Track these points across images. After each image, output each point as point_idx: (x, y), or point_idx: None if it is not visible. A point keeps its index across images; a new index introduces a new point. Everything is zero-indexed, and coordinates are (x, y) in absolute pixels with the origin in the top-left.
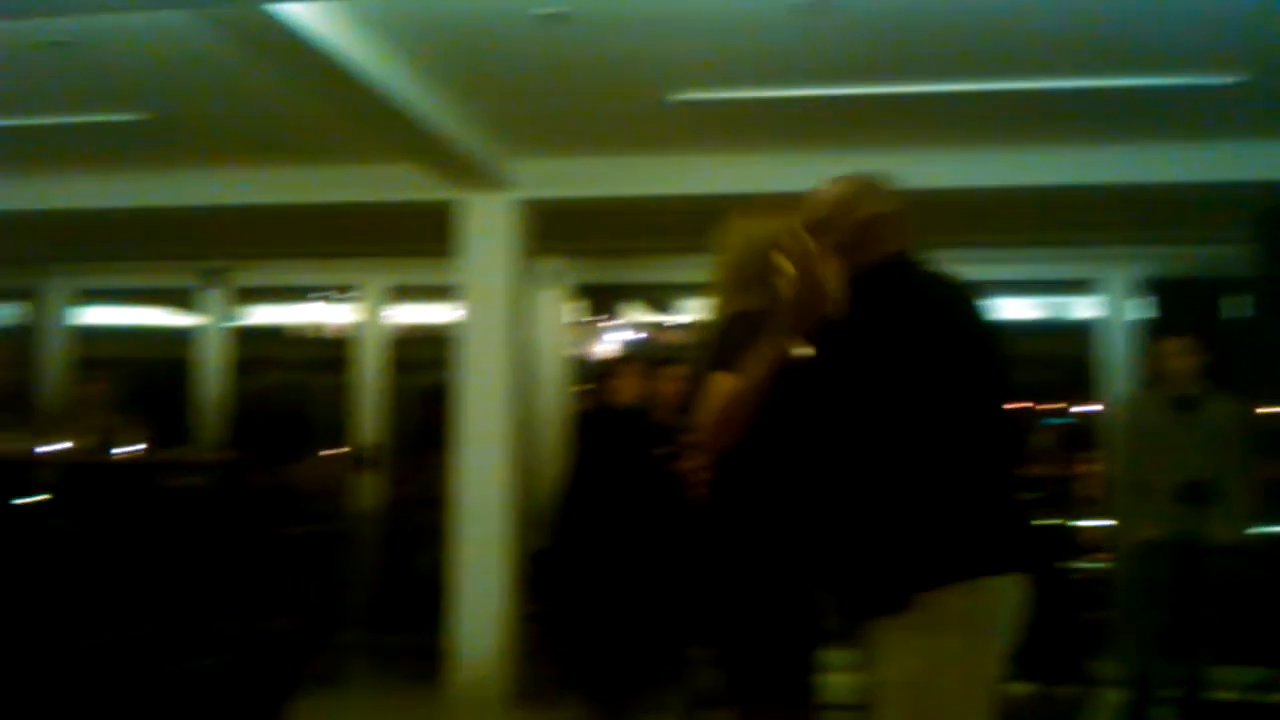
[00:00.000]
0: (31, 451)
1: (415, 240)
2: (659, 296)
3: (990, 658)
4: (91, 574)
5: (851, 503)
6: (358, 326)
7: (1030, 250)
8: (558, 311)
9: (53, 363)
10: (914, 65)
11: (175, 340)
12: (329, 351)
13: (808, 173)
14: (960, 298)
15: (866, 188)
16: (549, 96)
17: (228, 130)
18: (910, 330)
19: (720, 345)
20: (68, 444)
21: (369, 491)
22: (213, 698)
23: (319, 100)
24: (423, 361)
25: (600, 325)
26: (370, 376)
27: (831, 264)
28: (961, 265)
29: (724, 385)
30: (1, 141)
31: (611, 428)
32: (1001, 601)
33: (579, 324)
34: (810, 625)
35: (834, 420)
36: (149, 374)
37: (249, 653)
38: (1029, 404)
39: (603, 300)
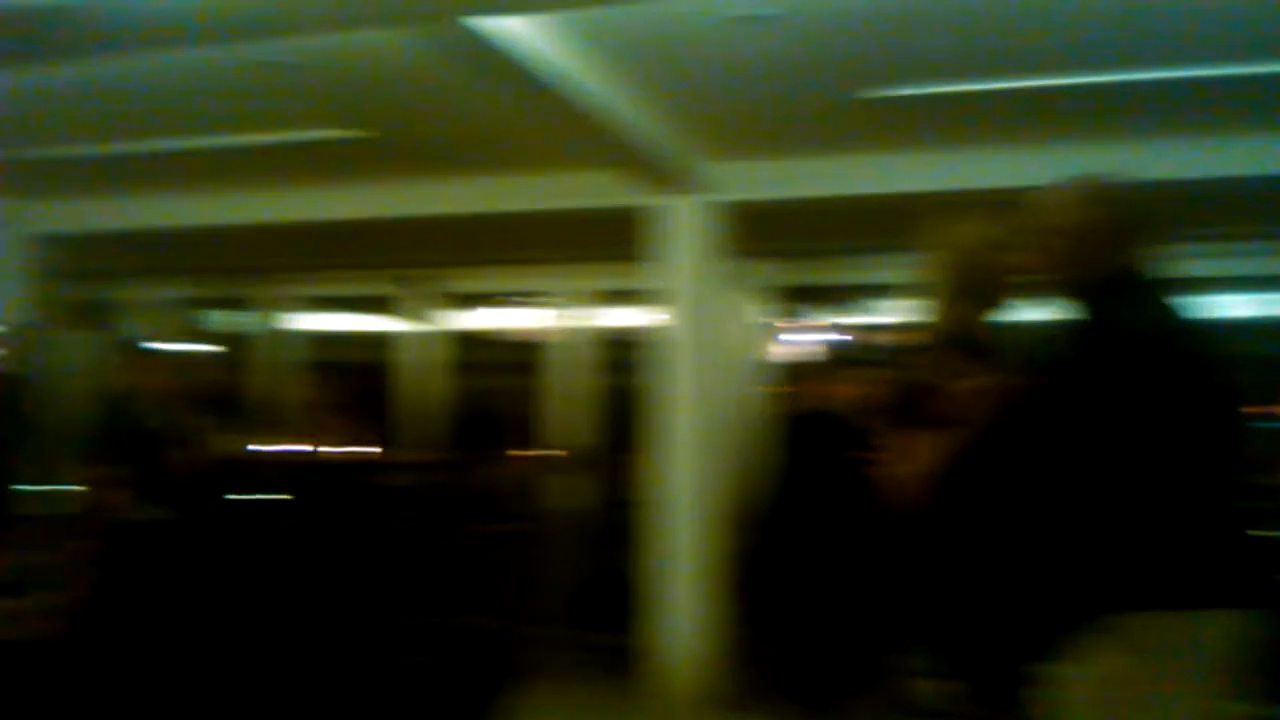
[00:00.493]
0: (255, 452)
1: (612, 245)
2: (855, 297)
3: (1194, 690)
4: (315, 571)
5: (1072, 518)
6: (555, 331)
7: (1249, 244)
8: (753, 314)
9: (271, 367)
10: (1119, 51)
11: (387, 344)
12: (527, 355)
13: (1010, 168)
14: (1185, 322)
15: (1091, 192)
16: (742, 98)
17: (436, 144)
18: (1139, 363)
19: (924, 380)
20: (287, 445)
21: (567, 492)
22: (427, 693)
23: (518, 111)
24: (619, 364)
25: (796, 327)
26: (567, 379)
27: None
28: (1179, 261)
29: (928, 445)
30: (226, 159)
31: (817, 431)
32: (1218, 635)
33: (774, 326)
34: (1029, 636)
35: (1059, 440)
36: (359, 377)
37: (461, 649)
38: (1252, 407)
39: (798, 302)
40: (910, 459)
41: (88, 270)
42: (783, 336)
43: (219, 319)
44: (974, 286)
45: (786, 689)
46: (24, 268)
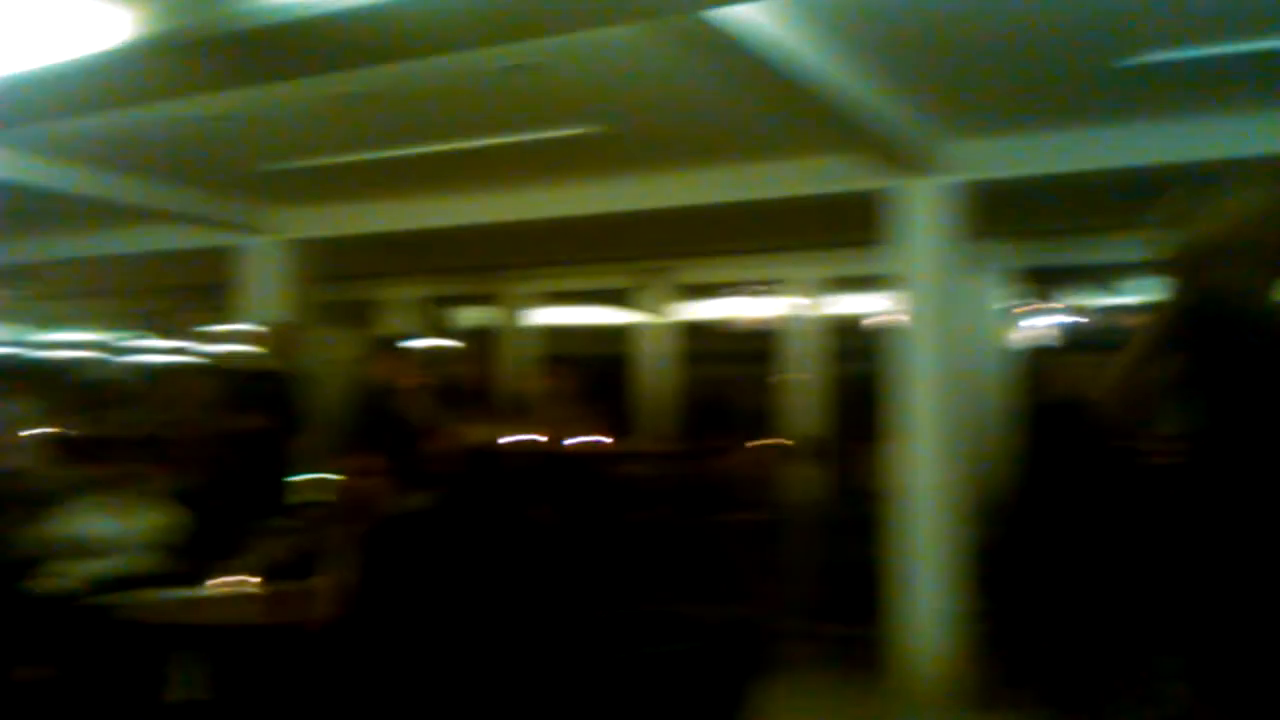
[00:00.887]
0: (501, 443)
1: (847, 230)
2: (1105, 278)
3: None
4: (565, 559)
5: None
6: (790, 319)
7: None
8: (994, 297)
9: (515, 360)
10: None
11: (623, 337)
12: (760, 344)
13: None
14: None
15: None
16: (985, 73)
17: (669, 137)
18: None
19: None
20: (530, 436)
21: (806, 482)
22: (681, 684)
23: (754, 99)
24: (856, 352)
25: (1042, 310)
26: (803, 368)
27: None
28: None
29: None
30: (469, 161)
31: (1064, 420)
32: None
33: (1017, 310)
34: None
35: None
36: (596, 369)
37: (713, 639)
38: None
39: (1044, 284)
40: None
41: (343, 272)
42: (1026, 321)
43: (466, 315)
44: (1263, 254)
45: (1032, 686)
46: (284, 271)
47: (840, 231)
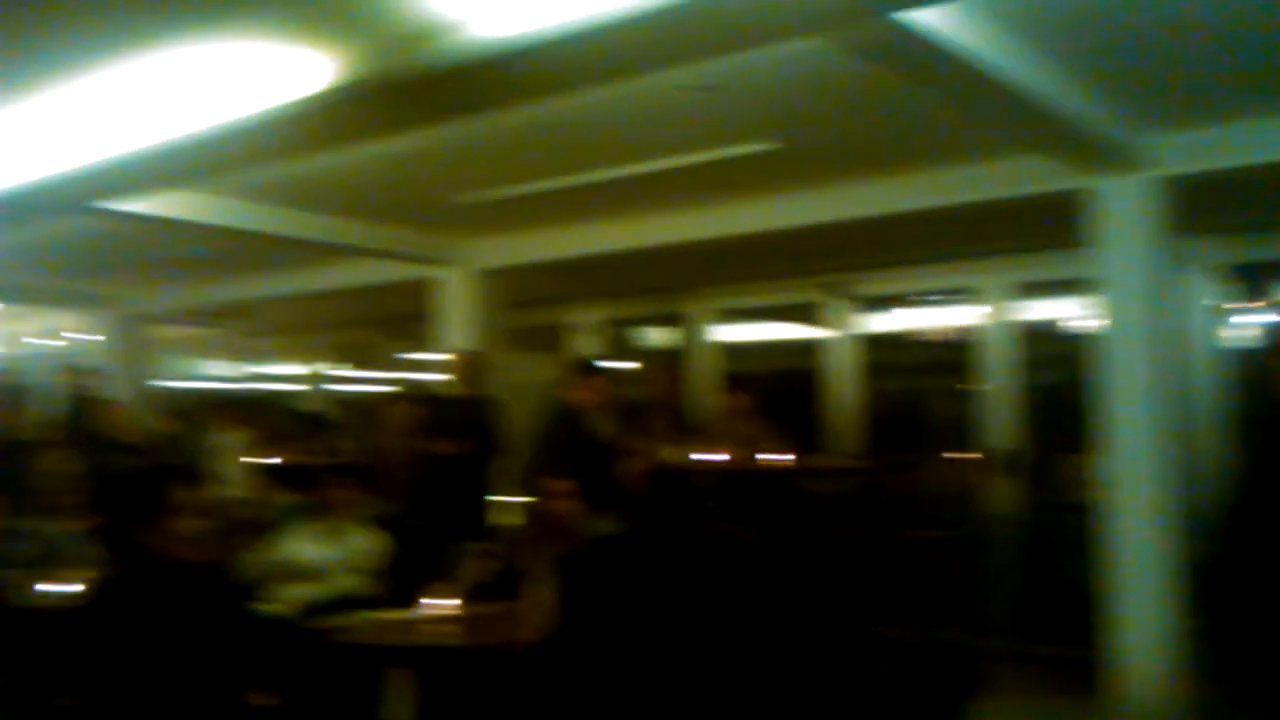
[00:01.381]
0: (692, 461)
1: (1040, 234)
2: None
3: None
4: (767, 579)
5: None
6: (982, 327)
7: None
8: (1205, 297)
9: (701, 377)
10: None
11: (805, 351)
12: (953, 355)
13: None
14: None
15: None
16: (1184, 61)
17: (851, 146)
18: None
19: None
20: (720, 454)
21: (1005, 496)
22: (895, 706)
23: (941, 102)
24: (1052, 360)
25: (1255, 309)
26: (998, 378)
27: None
28: None
29: None
30: (649, 184)
31: None
32: None
33: (1230, 309)
34: None
35: None
36: (784, 385)
37: (925, 661)
38: None
39: (1256, 280)
40: None
41: (531, 298)
42: (1238, 320)
43: (650, 335)
44: None
45: (1256, 710)
46: (476, 300)
47: (1033, 235)
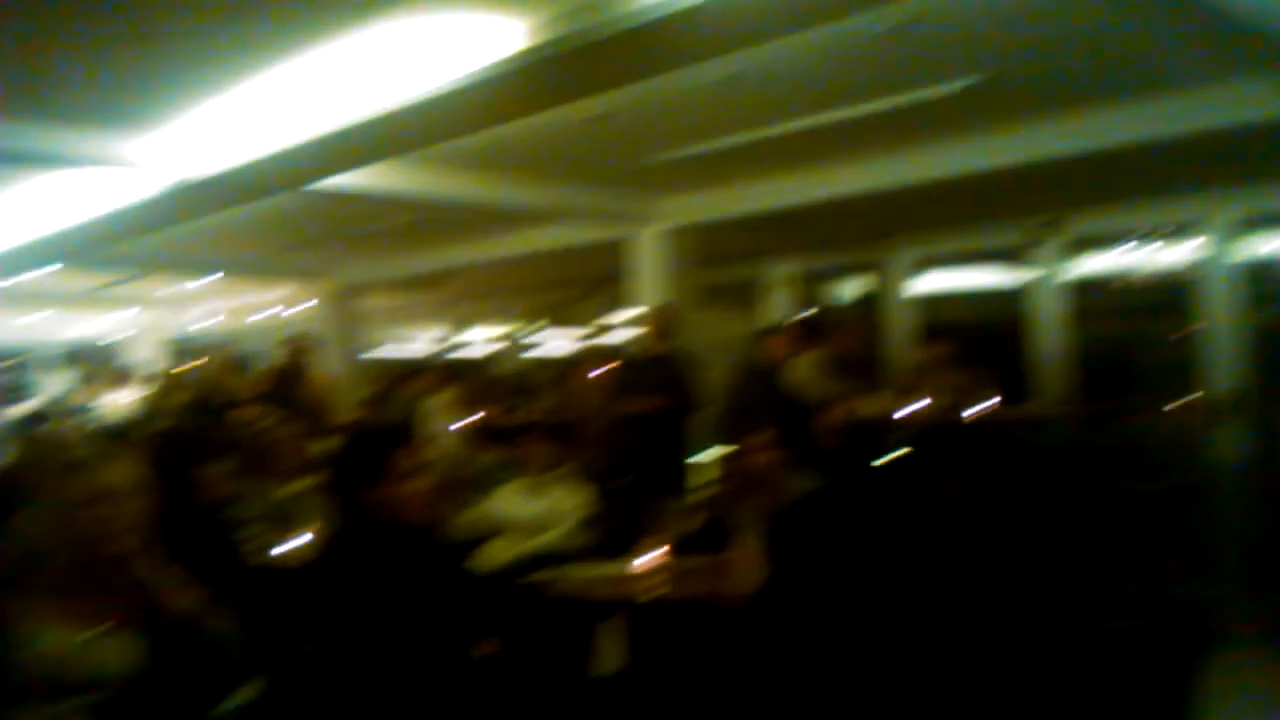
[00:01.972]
0: (890, 414)
1: (1264, 164)
2: None
3: None
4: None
5: None
6: (1202, 265)
7: None
8: None
9: (900, 328)
10: None
11: (1008, 298)
12: (1171, 295)
13: None
14: None
15: None
16: None
17: (1058, 79)
18: None
19: None
20: (919, 405)
21: (1230, 442)
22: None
23: (1160, 24)
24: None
25: None
26: (1220, 317)
27: None
28: None
29: None
30: (842, 132)
31: None
32: None
33: None
34: None
35: None
36: (987, 333)
37: (1162, 615)
38: None
39: None
40: None
41: (725, 253)
42: None
43: (847, 286)
44: None
45: None
46: (670, 258)
47: (1257, 165)
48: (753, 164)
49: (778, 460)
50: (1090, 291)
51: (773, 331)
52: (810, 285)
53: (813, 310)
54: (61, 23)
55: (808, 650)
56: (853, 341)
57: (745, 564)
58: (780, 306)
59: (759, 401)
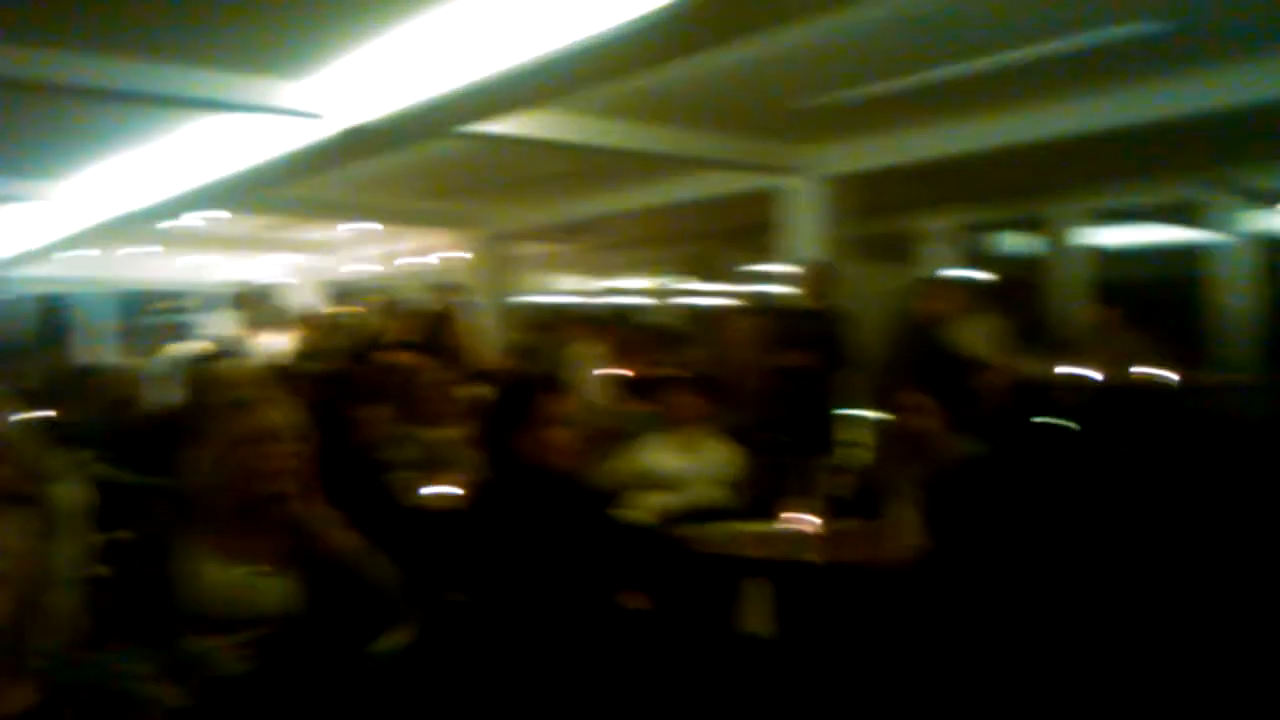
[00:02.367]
0: (1057, 378)
1: None
2: None
3: None
4: (1154, 502)
5: None
6: None
7: None
8: None
9: (1068, 287)
10: None
11: (1187, 256)
12: None
13: None
14: None
15: None
16: None
17: (1247, 20)
18: None
19: None
20: (1086, 368)
21: None
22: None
23: None
24: None
25: None
26: None
27: None
28: None
29: None
30: (1009, 77)
31: None
32: None
33: None
34: None
35: None
36: (1162, 293)
37: None
38: None
39: None
40: None
41: (880, 205)
42: None
43: (1009, 241)
44: None
45: None
46: (822, 209)
47: None
48: (915, 110)
49: (936, 422)
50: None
51: (935, 287)
52: (973, 239)
53: (974, 266)
54: None
55: (969, 625)
56: (1013, 297)
57: (902, 530)
58: (939, 261)
59: (917, 359)
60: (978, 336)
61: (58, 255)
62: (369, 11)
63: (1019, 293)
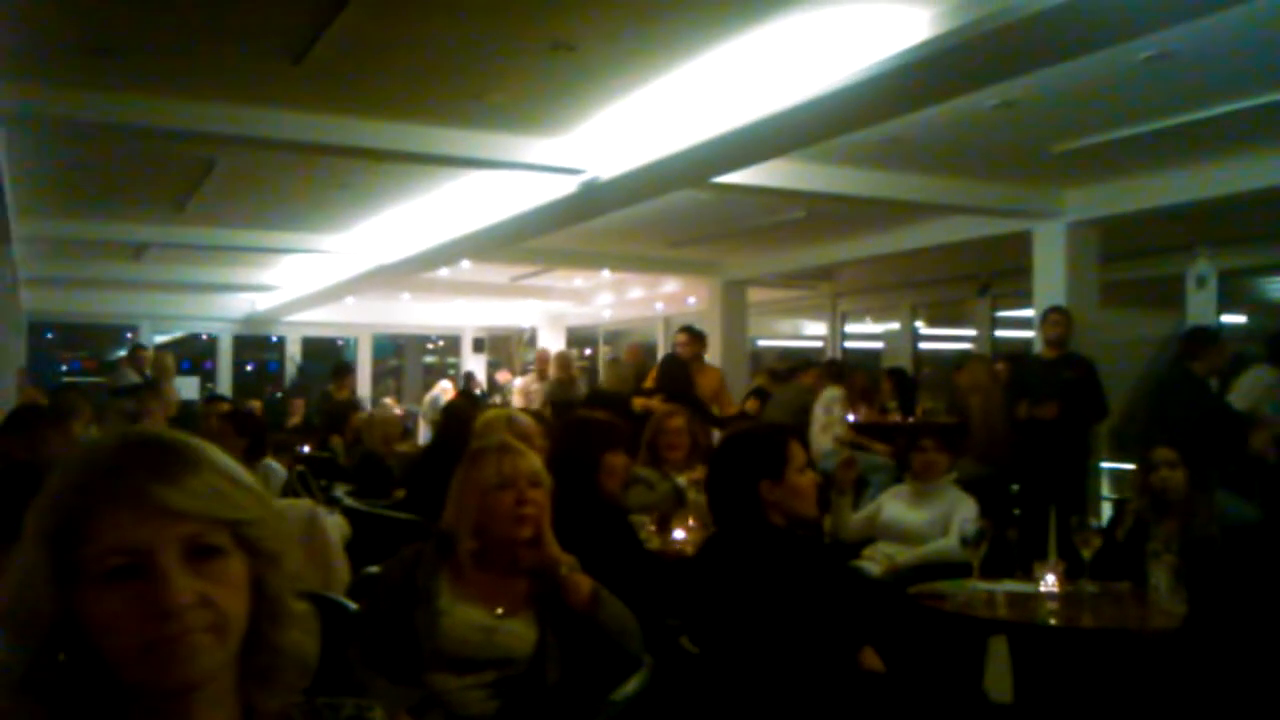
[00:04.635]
0: None
1: None
2: None
3: None
4: None
5: None
6: None
7: None
8: None
9: None
10: None
11: None
12: None
13: None
14: None
15: None
16: None
17: None
18: None
19: None
20: None
21: None
22: None
23: None
24: None
25: None
26: None
27: None
28: None
29: None
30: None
31: None
32: None
33: None
34: None
35: None
36: None
37: None
38: None
39: None
40: None
41: (1137, 248)
42: None
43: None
44: None
45: None
46: (1072, 252)
47: None
48: (1173, 151)
49: (1194, 479)
50: None
51: (1205, 337)
52: (1235, 285)
53: (1244, 312)
54: (493, 35)
55: (1232, 701)
56: None
57: (1159, 596)
58: (1201, 307)
59: (1183, 412)
60: (1258, 391)
61: (322, 303)
62: (620, 71)
63: None
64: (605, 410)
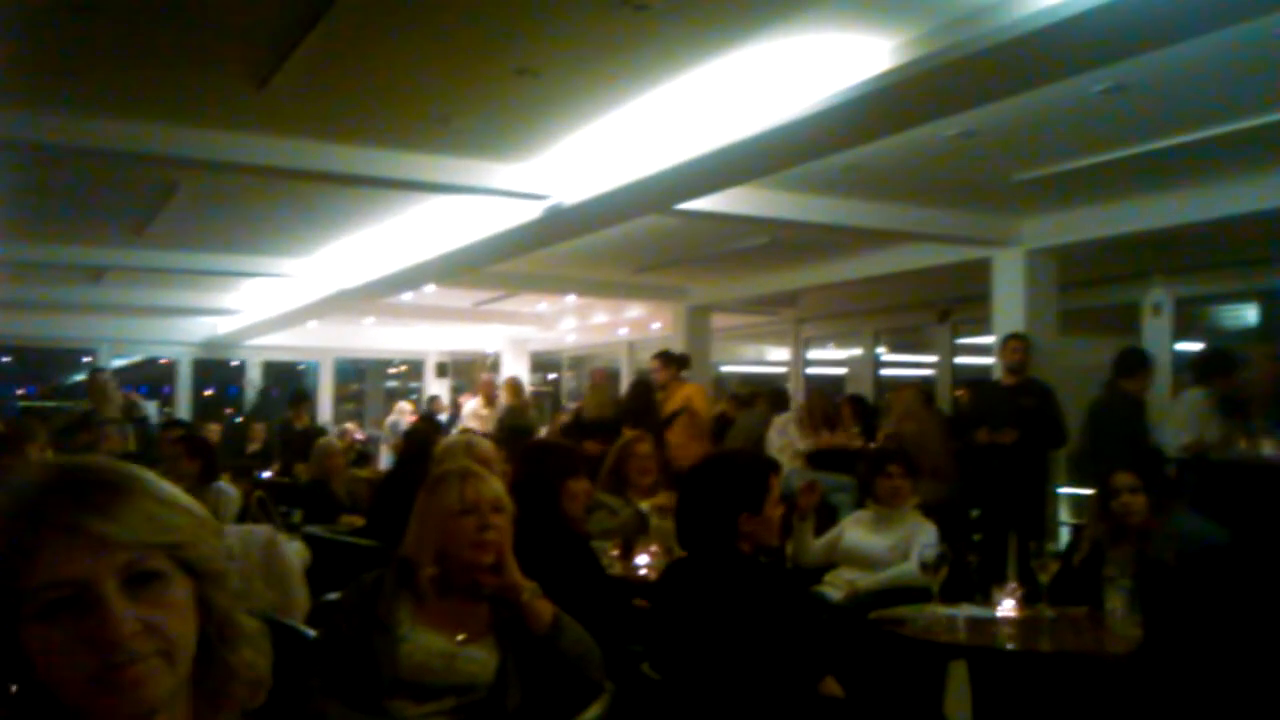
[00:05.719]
0: None
1: None
2: None
3: None
4: None
5: None
6: None
7: None
8: None
9: None
10: None
11: None
12: None
13: None
14: None
15: None
16: None
17: None
18: None
19: None
20: None
21: None
22: None
23: None
24: None
25: None
26: None
27: None
28: None
29: None
30: (1239, 142)
31: None
32: None
33: None
34: None
35: None
36: None
37: None
38: None
39: None
40: None
41: (1092, 277)
42: None
43: (1243, 314)
44: None
45: None
46: (1032, 280)
47: None
48: (1129, 181)
49: (1152, 504)
50: None
51: (1136, 358)
52: (1195, 311)
53: (1199, 339)
54: (457, 61)
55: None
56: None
57: (1114, 621)
58: (1157, 334)
59: (1133, 437)
60: (1204, 415)
61: (283, 327)
62: (586, 98)
63: (1263, 371)
64: (596, 439)
